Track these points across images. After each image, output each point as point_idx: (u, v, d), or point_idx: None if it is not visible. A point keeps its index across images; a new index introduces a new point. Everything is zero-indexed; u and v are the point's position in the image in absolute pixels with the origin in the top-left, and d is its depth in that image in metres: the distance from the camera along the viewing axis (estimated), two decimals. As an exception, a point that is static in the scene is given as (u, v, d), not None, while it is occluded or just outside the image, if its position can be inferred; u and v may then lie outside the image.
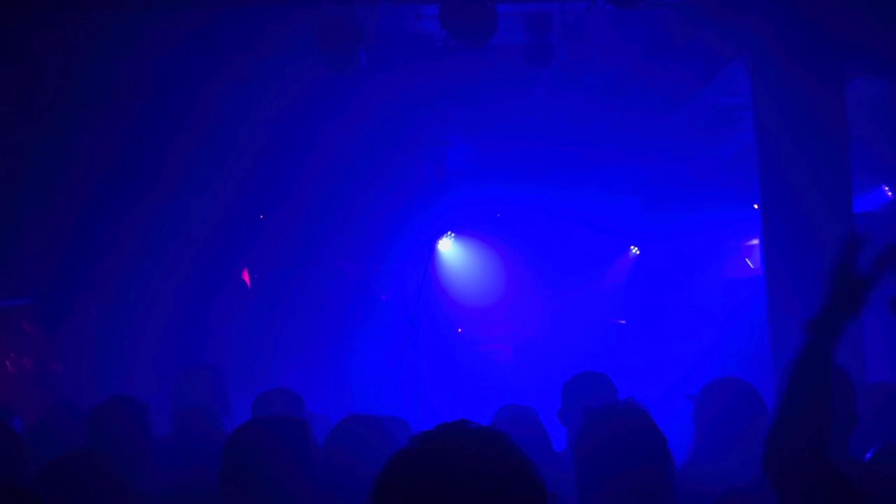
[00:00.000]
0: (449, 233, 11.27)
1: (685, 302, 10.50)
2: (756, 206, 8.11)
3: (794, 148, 7.17)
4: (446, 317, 11.22)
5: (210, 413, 4.77)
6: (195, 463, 4.10)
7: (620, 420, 3.27)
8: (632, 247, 11.42)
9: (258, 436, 3.40)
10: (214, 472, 3.34)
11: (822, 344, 2.68)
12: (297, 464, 3.34)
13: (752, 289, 8.51)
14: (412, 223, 10.35)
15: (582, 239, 10.67)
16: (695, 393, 4.59)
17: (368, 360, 9.77)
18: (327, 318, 9.70)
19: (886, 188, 9.47)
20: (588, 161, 9.41)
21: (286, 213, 9.70)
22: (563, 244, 10.79)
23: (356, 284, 10.15)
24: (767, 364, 7.06)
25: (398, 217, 10.07)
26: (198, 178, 8.50)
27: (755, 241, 10.08)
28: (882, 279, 2.67)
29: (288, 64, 7.28)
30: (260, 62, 7.24)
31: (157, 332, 8.66)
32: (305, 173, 9.10)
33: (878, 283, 2.67)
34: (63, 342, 8.74)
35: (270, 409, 4.72)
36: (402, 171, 9.40)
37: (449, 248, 11.44)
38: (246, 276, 10.16)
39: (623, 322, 10.87)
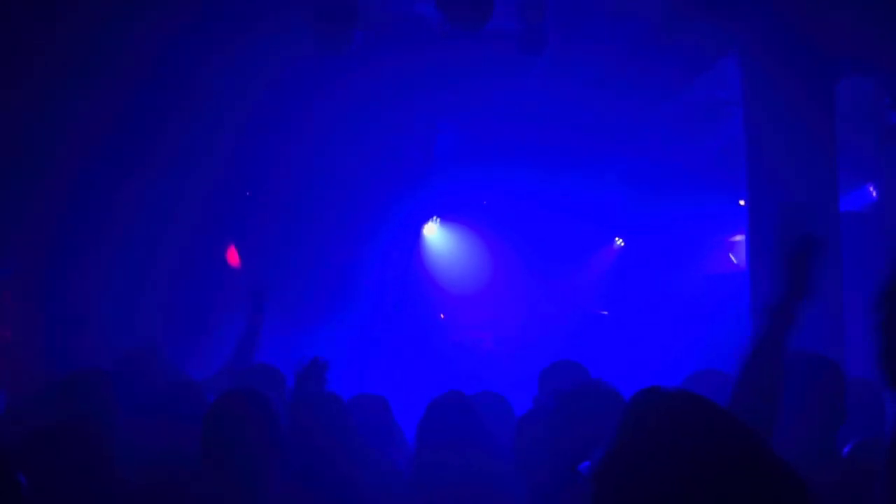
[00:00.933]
0: (435, 218, 11.28)
1: (668, 295, 10.54)
2: (742, 202, 8.15)
3: (781, 145, 7.21)
4: (430, 303, 11.24)
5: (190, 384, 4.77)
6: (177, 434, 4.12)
7: (590, 399, 3.29)
8: (616, 238, 11.46)
9: (224, 409, 3.55)
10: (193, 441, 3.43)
11: (778, 327, 2.87)
12: (264, 435, 3.49)
13: (735, 284, 8.56)
14: (398, 207, 10.35)
15: (567, 228, 10.70)
16: (676, 385, 4.62)
17: (348, 344, 9.78)
18: (310, 302, 9.69)
19: (871, 188, 9.53)
20: (576, 150, 9.43)
21: (272, 194, 9.68)
22: (549, 233, 10.81)
23: (341, 267, 10.14)
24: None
25: (384, 201, 10.06)
26: (185, 156, 8.46)
27: (739, 237, 10.14)
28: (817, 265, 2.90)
29: (278, 43, 7.25)
30: (250, 41, 7.21)
31: (145, 306, 8.64)
32: (292, 154, 9.08)
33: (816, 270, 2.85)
34: (48, 315, 8.71)
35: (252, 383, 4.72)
36: (389, 154, 9.39)
37: (434, 233, 11.45)
38: (232, 255, 10.13)
39: (605, 313, 10.91)
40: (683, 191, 9.95)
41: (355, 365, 9.48)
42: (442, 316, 11.47)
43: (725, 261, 11.12)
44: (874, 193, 9.46)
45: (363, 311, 10.16)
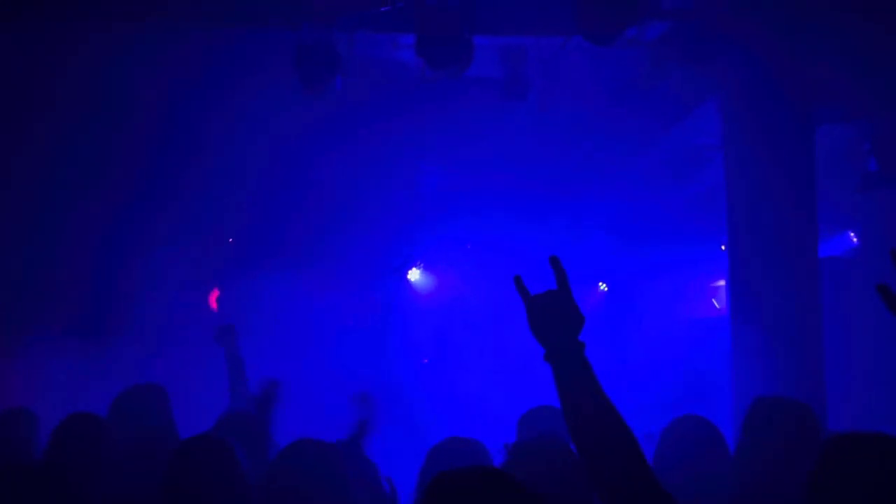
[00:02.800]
0: (419, 263, 11.28)
1: (650, 340, 10.54)
2: (723, 247, 8.19)
3: (762, 190, 7.26)
4: (414, 345, 11.20)
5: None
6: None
7: (541, 455, 3.25)
8: (600, 283, 11.47)
9: (188, 458, 3.42)
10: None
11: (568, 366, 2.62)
12: (226, 487, 3.34)
13: (718, 329, 8.56)
14: (383, 251, 10.35)
15: (550, 273, 10.70)
16: (654, 431, 4.59)
17: (334, 386, 9.73)
18: (294, 344, 9.65)
19: (852, 234, 9.58)
20: (557, 196, 9.47)
21: (256, 236, 9.68)
22: (532, 277, 10.82)
23: (325, 310, 10.12)
24: (728, 403, 7.10)
25: (369, 244, 10.06)
26: (168, 200, 8.48)
27: (721, 283, 10.16)
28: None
29: (262, 88, 7.30)
30: (237, 88, 7.25)
31: (136, 345, 8.62)
32: (278, 196, 9.09)
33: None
34: (26, 350, 8.66)
35: (230, 430, 4.68)
36: (374, 197, 9.41)
37: (418, 277, 11.45)
38: (213, 300, 10.11)
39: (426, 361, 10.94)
40: (666, 236, 9.98)
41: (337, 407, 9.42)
42: (426, 361, 11.43)
43: (709, 306, 11.14)
44: (854, 239, 9.51)
45: (348, 355, 10.12)
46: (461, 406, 10.43)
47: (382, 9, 6.13)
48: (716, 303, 10.93)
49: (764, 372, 6.86)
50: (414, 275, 11.46)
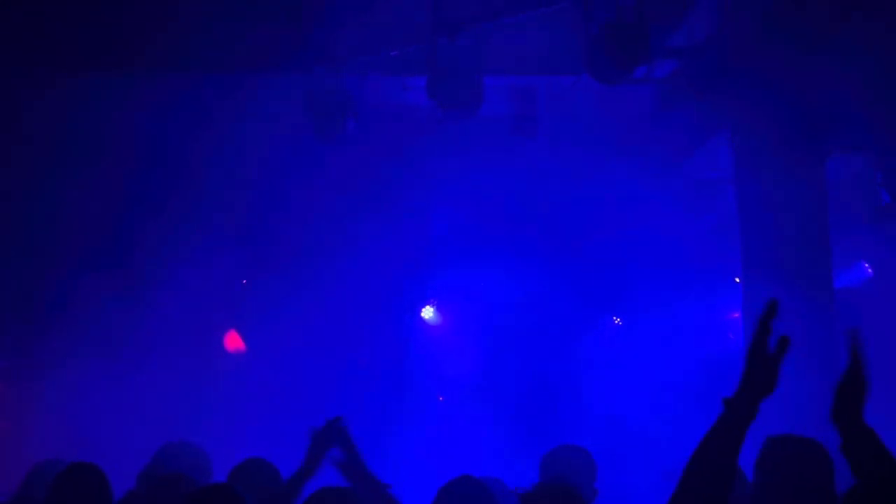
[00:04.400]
0: (432, 301, 11.27)
1: (665, 375, 10.49)
2: (737, 280, 8.16)
3: (774, 222, 7.26)
4: (429, 385, 11.17)
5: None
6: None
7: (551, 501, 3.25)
8: (614, 317, 11.43)
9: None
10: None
11: (737, 422, 2.70)
12: None
13: (734, 361, 8.51)
14: (397, 289, 10.35)
15: (563, 307, 10.67)
16: (675, 468, 4.57)
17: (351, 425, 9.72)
18: (308, 385, 9.64)
19: (866, 264, 9.55)
20: (569, 229, 9.47)
21: (270, 274, 9.70)
22: (543, 314, 10.79)
23: (338, 351, 10.11)
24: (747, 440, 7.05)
25: (383, 282, 10.07)
26: (181, 241, 8.51)
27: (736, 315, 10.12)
28: (785, 359, 2.75)
29: (274, 129, 7.36)
30: (247, 127, 7.32)
31: (143, 394, 8.61)
32: (290, 237, 9.12)
33: (783, 363, 2.74)
34: (42, 403, 8.67)
35: (245, 480, 4.67)
36: (386, 236, 9.43)
37: (432, 315, 11.44)
38: (233, 340, 10.11)
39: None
40: (678, 269, 9.96)
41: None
42: (441, 399, 11.40)
43: (725, 339, 11.08)
44: (869, 270, 9.48)
45: (361, 395, 10.10)
46: (475, 443, 10.39)
47: (393, 52, 6.19)
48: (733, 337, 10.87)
49: (779, 407, 6.82)
50: (427, 313, 11.45)
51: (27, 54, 6.31)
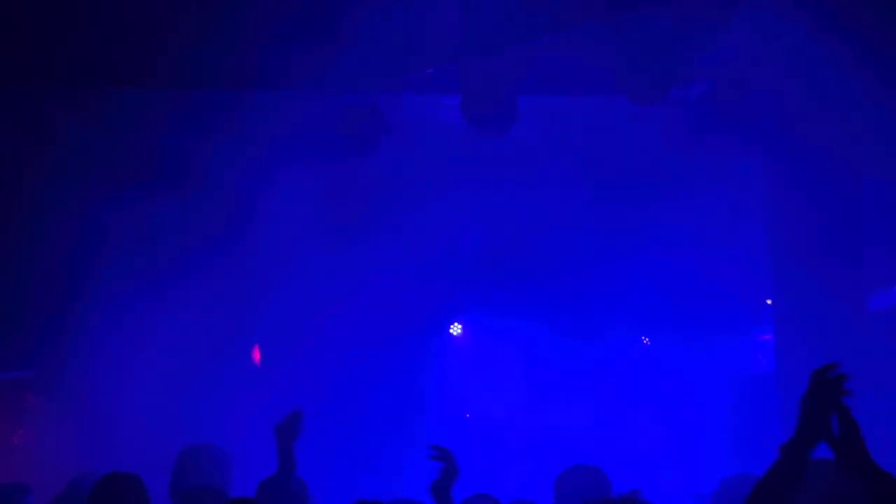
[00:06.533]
0: (461, 318, 11.27)
1: (696, 394, 10.43)
2: (769, 302, 8.12)
3: (807, 243, 7.21)
4: (456, 400, 11.15)
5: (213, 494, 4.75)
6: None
7: None
8: (643, 337, 11.38)
9: None
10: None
11: (791, 468, 2.79)
12: None
13: (764, 384, 8.46)
14: (426, 306, 10.35)
15: (592, 326, 10.64)
16: (705, 491, 4.55)
17: (375, 439, 9.76)
18: (334, 396, 9.65)
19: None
20: (600, 251, 9.46)
21: (295, 292, 9.72)
22: (574, 333, 10.76)
23: (367, 363, 10.12)
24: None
25: (412, 299, 10.07)
26: (203, 258, 8.56)
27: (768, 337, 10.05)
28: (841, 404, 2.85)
29: (308, 146, 7.39)
30: (281, 144, 7.36)
31: (163, 404, 8.65)
32: (321, 249, 9.14)
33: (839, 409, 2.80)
34: (69, 413, 8.73)
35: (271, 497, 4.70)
36: (417, 252, 9.44)
37: (460, 332, 11.43)
38: (256, 355, 10.14)
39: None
40: (709, 290, 9.91)
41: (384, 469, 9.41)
42: (468, 416, 11.38)
43: (756, 360, 10.99)
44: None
45: (385, 407, 10.10)
46: (500, 461, 10.37)
47: (428, 70, 6.22)
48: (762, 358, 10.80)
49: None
50: (456, 329, 11.45)
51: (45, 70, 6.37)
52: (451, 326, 11.34)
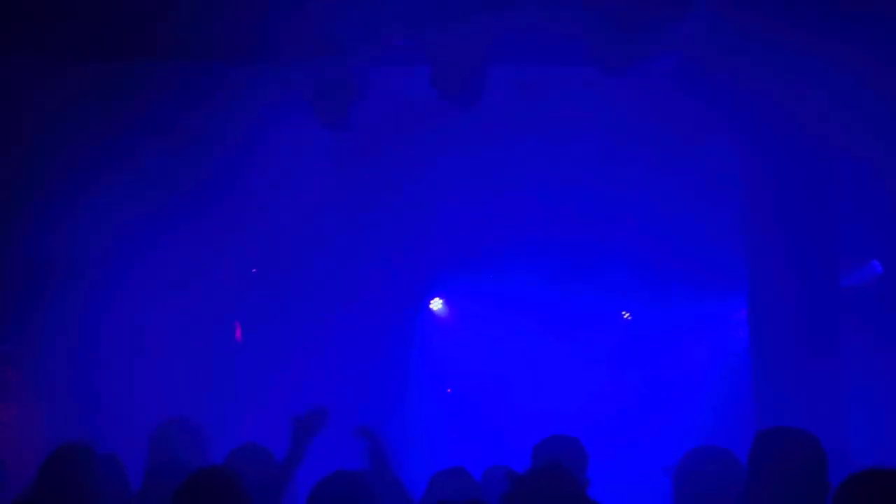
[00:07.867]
0: (441, 293, 11.27)
1: (674, 368, 10.49)
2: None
3: (780, 219, 7.24)
4: (437, 375, 11.17)
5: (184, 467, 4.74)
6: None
7: (543, 483, 3.25)
8: (623, 312, 11.40)
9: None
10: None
11: None
12: None
13: (741, 357, 8.50)
14: (405, 280, 10.35)
15: (569, 300, 10.66)
16: (672, 464, 4.55)
17: (357, 415, 9.75)
18: (312, 376, 9.66)
19: (876, 262, 9.48)
20: (577, 224, 9.46)
21: (276, 265, 9.73)
22: (553, 306, 10.78)
23: (346, 338, 10.13)
24: (750, 434, 7.03)
25: (390, 273, 10.07)
26: (186, 232, 8.54)
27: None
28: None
29: (278, 120, 7.36)
30: (250, 117, 7.32)
31: (148, 377, 8.66)
32: (295, 227, 9.14)
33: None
34: (48, 387, 8.71)
35: (241, 462, 4.69)
36: (393, 227, 9.44)
37: (440, 307, 11.44)
38: (238, 332, 10.15)
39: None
40: (686, 266, 9.93)
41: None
42: (449, 391, 11.40)
43: (731, 335, 11.04)
44: (878, 268, 9.42)
45: (366, 380, 10.12)
46: (482, 434, 10.42)
47: (399, 42, 6.18)
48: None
49: (785, 400, 6.82)
50: (436, 304, 11.45)
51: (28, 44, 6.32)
52: (432, 301, 11.35)
